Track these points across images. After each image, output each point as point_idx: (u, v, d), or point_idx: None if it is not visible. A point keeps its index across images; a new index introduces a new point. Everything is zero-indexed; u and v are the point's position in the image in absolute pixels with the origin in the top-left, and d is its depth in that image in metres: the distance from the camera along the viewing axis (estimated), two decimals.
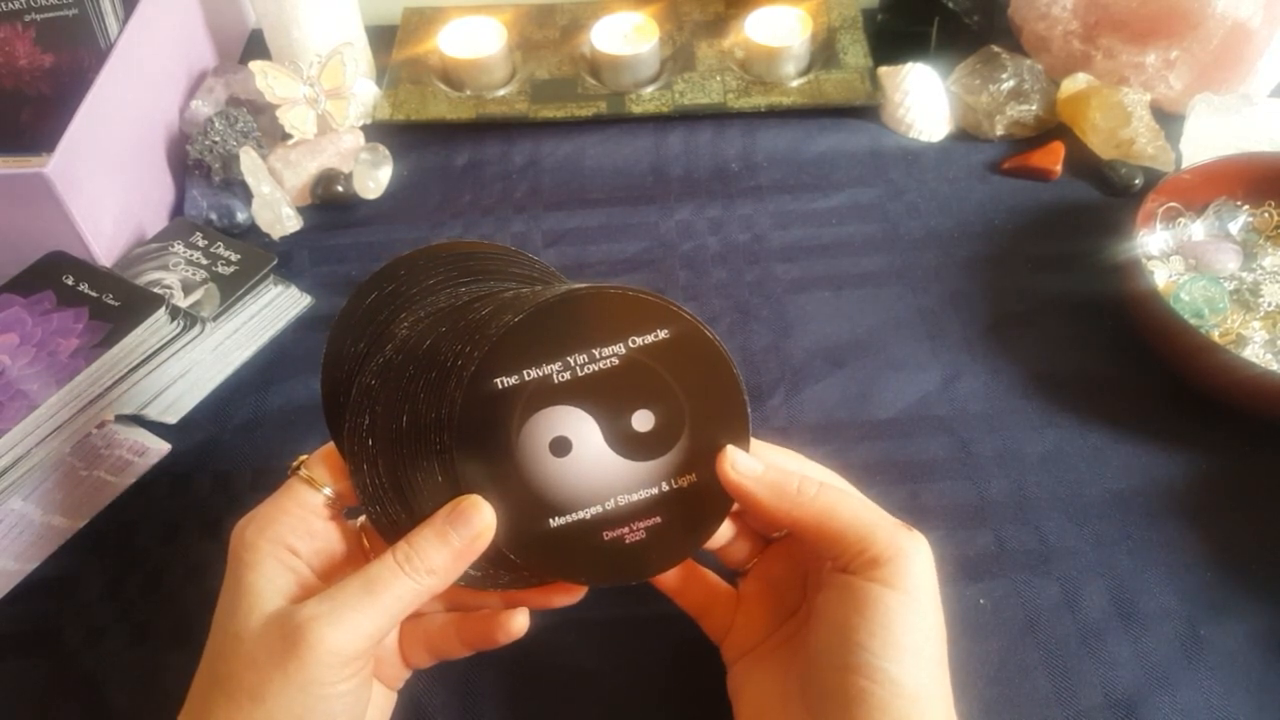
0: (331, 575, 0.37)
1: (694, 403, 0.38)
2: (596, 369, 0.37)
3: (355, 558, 0.39)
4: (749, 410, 0.38)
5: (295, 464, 0.38)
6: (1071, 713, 0.43)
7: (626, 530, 0.38)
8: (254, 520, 0.37)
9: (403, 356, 0.37)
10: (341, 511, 0.39)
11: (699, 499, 0.38)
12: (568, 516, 0.37)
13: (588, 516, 0.38)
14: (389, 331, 0.38)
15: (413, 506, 0.37)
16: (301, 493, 0.37)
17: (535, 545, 0.37)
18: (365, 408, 0.37)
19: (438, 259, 0.40)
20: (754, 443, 0.39)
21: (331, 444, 0.38)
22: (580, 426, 0.37)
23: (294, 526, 0.37)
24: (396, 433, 0.37)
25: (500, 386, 0.36)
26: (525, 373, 0.36)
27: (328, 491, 0.38)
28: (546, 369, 0.36)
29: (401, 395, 0.37)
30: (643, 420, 0.38)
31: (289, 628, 0.33)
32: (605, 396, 0.37)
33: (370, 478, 0.37)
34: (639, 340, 0.37)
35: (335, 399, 0.39)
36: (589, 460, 0.37)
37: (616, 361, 0.37)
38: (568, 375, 0.37)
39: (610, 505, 0.38)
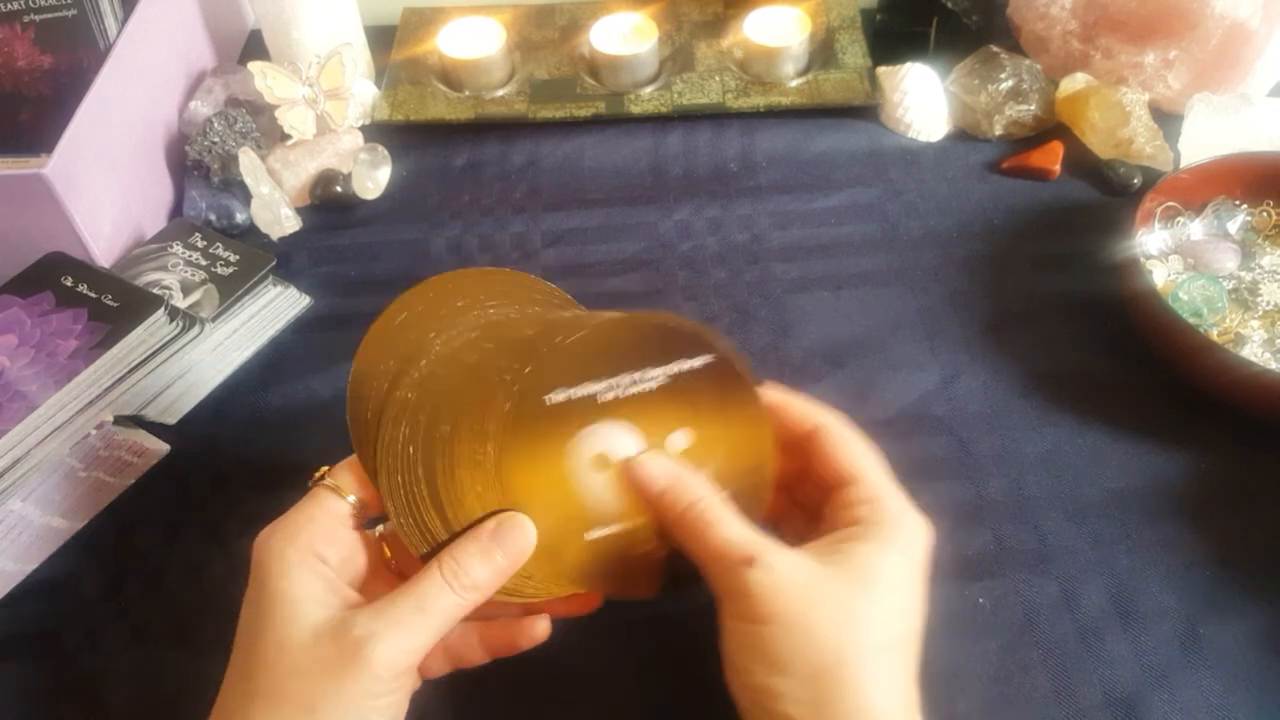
0: (357, 584, 0.39)
1: (726, 423, 0.40)
2: (639, 390, 0.39)
3: (377, 567, 0.40)
4: (772, 430, 0.40)
5: (319, 474, 0.39)
6: (1071, 711, 0.43)
7: (658, 545, 0.39)
8: (280, 529, 0.37)
9: (445, 370, 0.38)
10: (363, 522, 0.39)
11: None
12: (605, 529, 0.39)
13: (622, 530, 0.39)
14: (422, 348, 0.39)
15: (449, 517, 0.37)
16: (327, 501, 0.38)
17: (572, 557, 0.38)
18: (403, 419, 0.38)
19: (464, 283, 0.42)
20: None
21: (354, 456, 0.39)
22: (622, 443, 0.39)
23: (322, 534, 0.37)
24: (439, 443, 0.37)
25: (549, 403, 0.37)
26: (572, 391, 0.38)
27: (352, 499, 0.38)
28: (592, 388, 0.38)
29: (445, 407, 0.37)
30: (680, 439, 0.40)
31: (345, 642, 0.34)
32: (646, 416, 0.39)
33: (407, 488, 0.37)
34: (680, 366, 0.39)
35: (363, 412, 0.39)
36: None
37: (658, 384, 0.39)
38: (611, 395, 0.38)
39: (644, 520, 0.39)
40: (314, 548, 0.37)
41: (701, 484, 0.39)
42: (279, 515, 0.41)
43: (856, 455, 0.40)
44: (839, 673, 0.34)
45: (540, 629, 0.40)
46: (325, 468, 0.39)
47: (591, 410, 0.38)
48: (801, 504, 0.43)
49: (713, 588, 0.37)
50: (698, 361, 0.39)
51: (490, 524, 0.37)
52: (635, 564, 0.39)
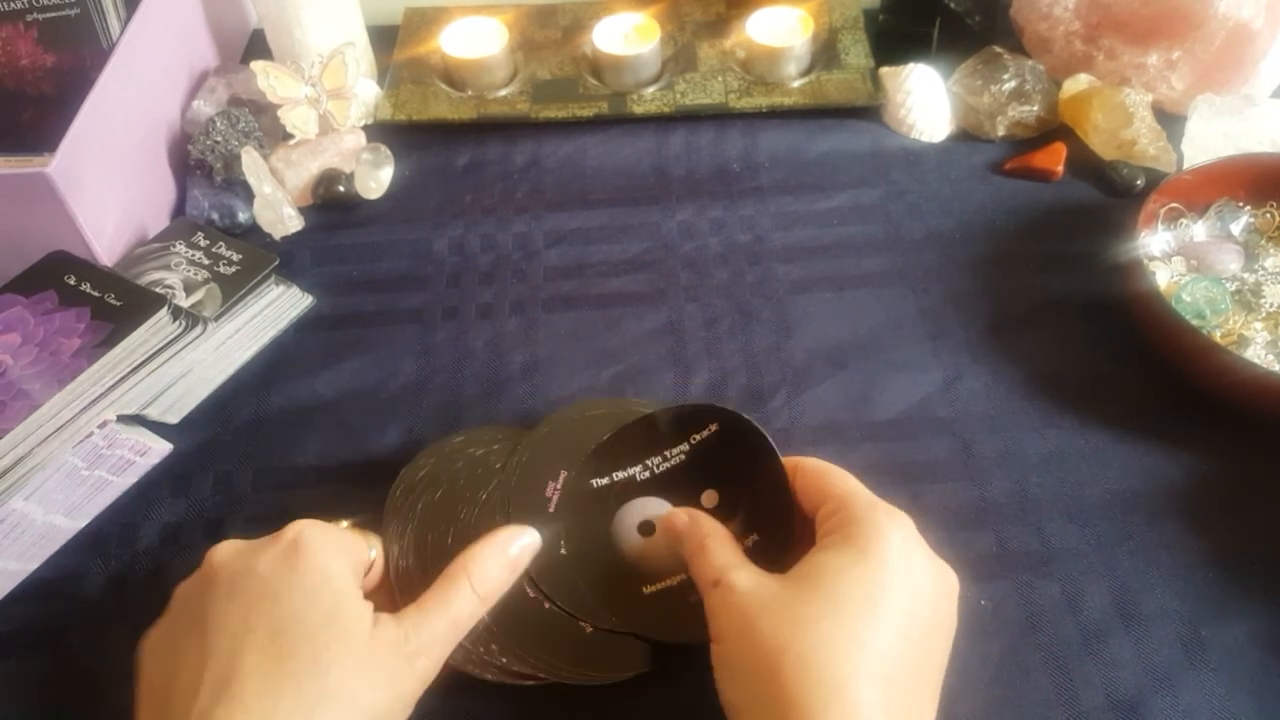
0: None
1: (745, 475, 0.45)
2: (669, 465, 0.46)
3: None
4: (783, 468, 0.44)
5: (345, 522, 0.44)
6: (1073, 714, 0.43)
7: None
8: (333, 534, 0.40)
9: (501, 464, 0.48)
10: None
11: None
12: (658, 584, 0.44)
13: (675, 583, 0.44)
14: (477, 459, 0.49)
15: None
16: (357, 541, 0.42)
17: (634, 609, 0.43)
18: (466, 500, 0.47)
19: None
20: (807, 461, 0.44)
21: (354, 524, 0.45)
22: (661, 510, 0.45)
23: (360, 562, 0.42)
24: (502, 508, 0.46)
25: (595, 486, 0.46)
26: (613, 475, 0.47)
27: (374, 554, 0.43)
28: (630, 470, 0.46)
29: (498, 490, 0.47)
30: (709, 498, 0.45)
31: (403, 655, 0.38)
32: (678, 484, 0.46)
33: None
34: (697, 437, 0.46)
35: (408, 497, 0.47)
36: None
37: (683, 458, 0.46)
38: (647, 474, 0.46)
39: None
40: (358, 571, 0.41)
41: (711, 523, 0.42)
42: (280, 516, 0.41)
43: (827, 477, 0.42)
44: (775, 675, 0.34)
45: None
46: (344, 522, 0.44)
47: (633, 488, 0.46)
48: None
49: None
50: (713, 427, 0.46)
51: (510, 534, 0.43)
52: (690, 611, 0.41)
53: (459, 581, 0.40)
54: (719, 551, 0.40)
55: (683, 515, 0.43)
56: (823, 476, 0.42)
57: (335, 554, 0.39)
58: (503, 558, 0.42)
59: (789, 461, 0.44)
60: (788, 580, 0.37)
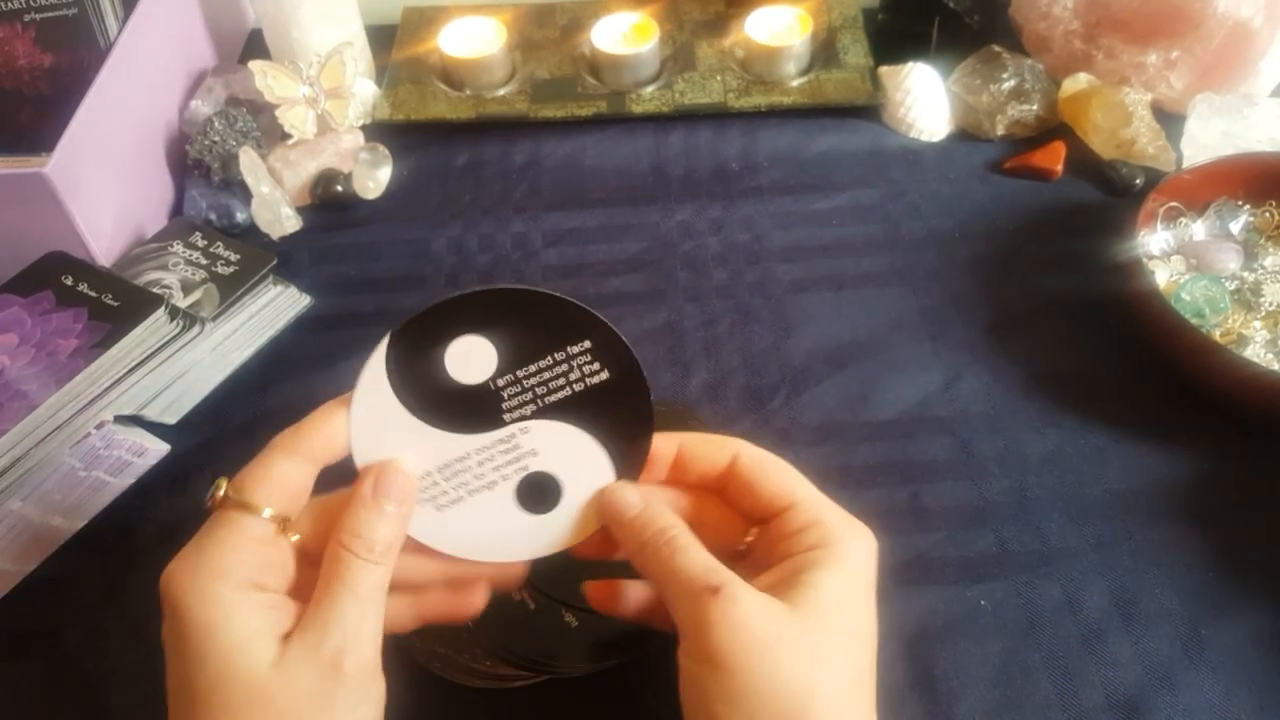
0: (291, 588, 0.36)
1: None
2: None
3: (301, 562, 0.37)
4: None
5: (219, 490, 0.35)
6: (1073, 714, 0.43)
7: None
8: (203, 565, 0.34)
9: None
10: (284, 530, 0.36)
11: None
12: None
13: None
14: None
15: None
16: (243, 523, 0.34)
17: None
18: None
19: None
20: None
21: (258, 462, 0.36)
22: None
23: (253, 563, 0.34)
24: None
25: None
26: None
27: (269, 514, 0.35)
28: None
29: None
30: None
31: (321, 666, 0.32)
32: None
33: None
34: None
35: None
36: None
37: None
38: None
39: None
40: (252, 579, 0.34)
41: (672, 513, 0.37)
42: None
43: (785, 478, 0.37)
44: (806, 717, 0.32)
45: (477, 599, 0.39)
46: (223, 480, 0.35)
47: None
48: (724, 547, 0.39)
49: (675, 619, 0.35)
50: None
51: (367, 484, 0.36)
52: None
53: (339, 556, 0.34)
54: (705, 553, 0.35)
55: (635, 493, 0.37)
56: (778, 474, 0.37)
57: (213, 601, 0.33)
58: (371, 508, 0.35)
59: (725, 450, 0.38)
60: (792, 604, 0.34)
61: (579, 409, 0.37)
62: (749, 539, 0.39)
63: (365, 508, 0.35)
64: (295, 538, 0.36)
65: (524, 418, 0.37)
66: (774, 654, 0.33)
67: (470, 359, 0.36)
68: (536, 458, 0.37)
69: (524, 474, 0.37)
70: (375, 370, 0.36)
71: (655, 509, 0.37)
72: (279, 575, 0.35)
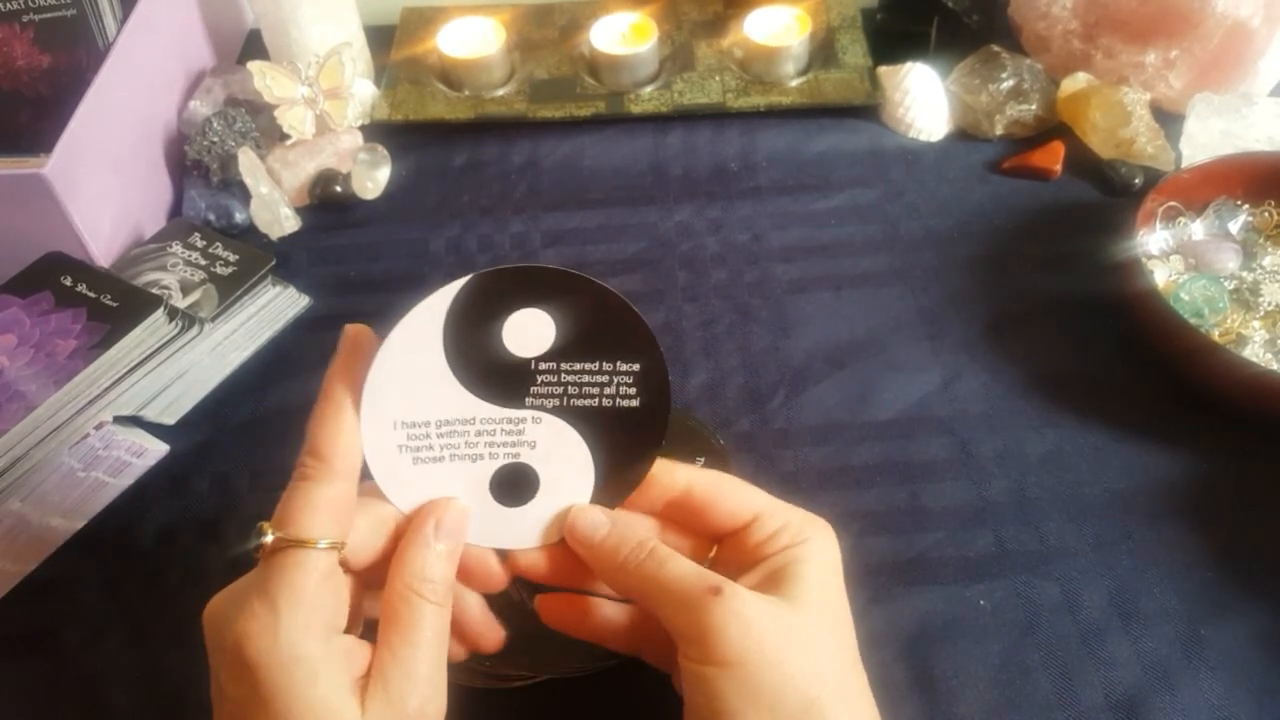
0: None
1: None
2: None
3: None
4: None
5: (266, 536, 0.33)
6: (1072, 714, 0.43)
7: None
8: (283, 623, 0.31)
9: None
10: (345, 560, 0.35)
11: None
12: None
13: None
14: None
15: None
16: (305, 561, 0.32)
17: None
18: None
19: None
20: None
21: (291, 494, 0.34)
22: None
23: (326, 609, 0.33)
24: None
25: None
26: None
27: (324, 545, 0.33)
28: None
29: None
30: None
31: (410, 715, 0.32)
32: None
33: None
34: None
35: None
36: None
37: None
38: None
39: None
40: (329, 624, 0.33)
41: (644, 527, 0.38)
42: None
43: (743, 493, 0.38)
44: (819, 708, 0.33)
45: (496, 638, 0.39)
46: (264, 524, 0.33)
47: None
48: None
49: (670, 628, 0.34)
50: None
51: (429, 526, 0.36)
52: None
53: (410, 601, 0.34)
54: (683, 559, 0.35)
55: (599, 513, 0.37)
56: (735, 489, 0.38)
57: (297, 661, 0.31)
58: (432, 551, 0.35)
59: (669, 469, 0.38)
60: (788, 600, 0.35)
61: (595, 423, 0.37)
62: (710, 555, 0.39)
63: (429, 549, 0.35)
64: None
65: (543, 408, 0.37)
66: (786, 647, 0.33)
67: (528, 331, 0.36)
68: (532, 450, 0.37)
69: (512, 460, 0.37)
70: (439, 303, 0.35)
71: (626, 526, 0.37)
72: (344, 607, 0.35)
